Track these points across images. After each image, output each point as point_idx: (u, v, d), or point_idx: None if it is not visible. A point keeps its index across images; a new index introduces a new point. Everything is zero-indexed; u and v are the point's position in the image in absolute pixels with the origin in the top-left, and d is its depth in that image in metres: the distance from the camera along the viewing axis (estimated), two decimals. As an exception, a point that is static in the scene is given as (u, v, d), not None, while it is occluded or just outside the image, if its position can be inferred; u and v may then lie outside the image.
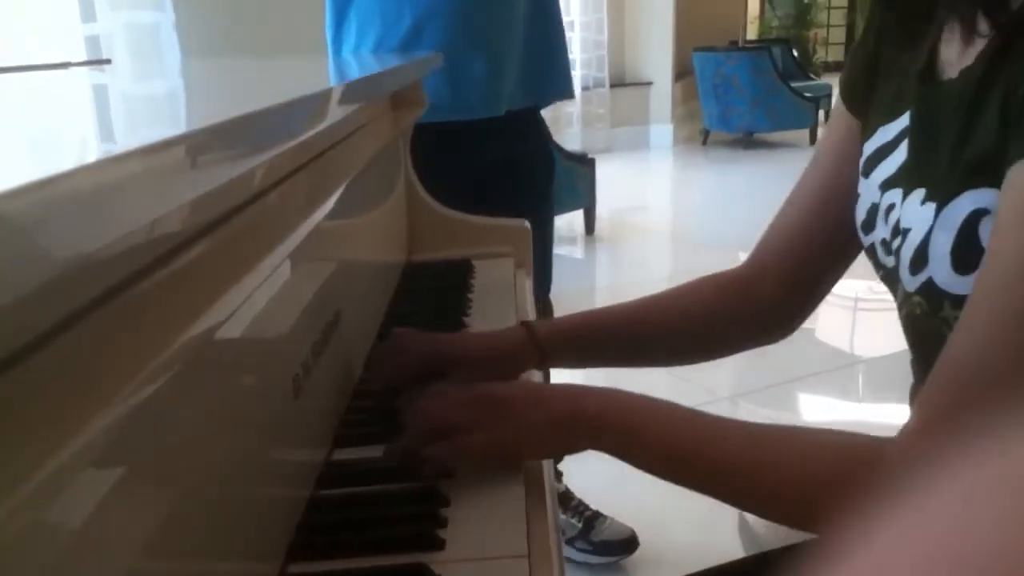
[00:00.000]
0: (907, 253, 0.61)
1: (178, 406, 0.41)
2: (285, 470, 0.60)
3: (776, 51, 7.06)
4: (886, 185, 0.67)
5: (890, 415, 2.44)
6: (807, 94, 6.88)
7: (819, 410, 2.49)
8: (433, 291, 1.11)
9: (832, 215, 0.77)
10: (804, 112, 6.79)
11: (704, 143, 7.13)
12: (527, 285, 1.16)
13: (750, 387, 2.51)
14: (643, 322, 0.83)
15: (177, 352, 0.41)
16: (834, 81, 8.02)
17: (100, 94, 0.86)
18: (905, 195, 0.63)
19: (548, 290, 1.63)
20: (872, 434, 0.59)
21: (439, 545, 0.56)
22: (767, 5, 11.50)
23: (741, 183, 5.78)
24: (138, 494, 0.36)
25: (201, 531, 0.43)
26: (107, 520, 0.34)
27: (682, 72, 7.10)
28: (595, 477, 1.85)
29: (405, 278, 1.15)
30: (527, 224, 1.25)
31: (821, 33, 12.64)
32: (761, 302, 0.82)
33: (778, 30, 10.97)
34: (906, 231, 0.62)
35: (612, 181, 5.25)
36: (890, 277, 0.67)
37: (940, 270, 0.58)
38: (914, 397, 0.73)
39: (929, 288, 0.59)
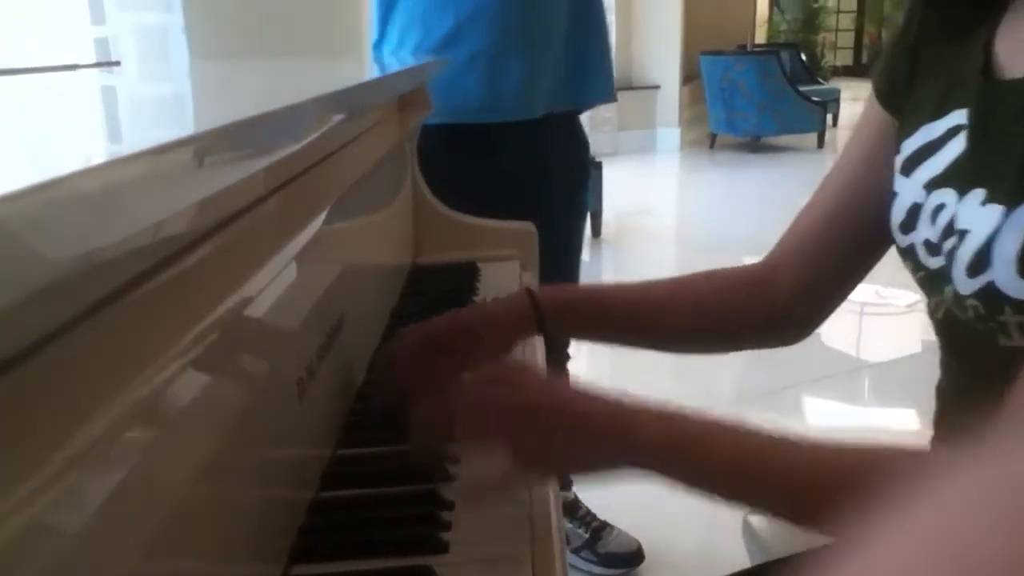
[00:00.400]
0: (965, 255, 0.59)
1: (182, 407, 0.41)
2: (288, 472, 0.60)
3: (784, 55, 7.05)
4: (932, 185, 0.65)
5: (895, 420, 2.44)
6: (815, 98, 6.87)
7: (823, 415, 2.49)
8: (438, 294, 1.11)
9: (859, 215, 0.75)
10: (812, 116, 6.78)
11: (711, 147, 7.12)
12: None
13: (753, 391, 2.50)
14: (651, 305, 0.81)
15: (181, 353, 0.41)
16: (843, 85, 7.96)
17: (109, 96, 0.87)
18: (960, 195, 0.61)
19: None
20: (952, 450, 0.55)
21: (442, 548, 0.56)
22: (775, 9, 11.48)
23: (748, 187, 5.77)
24: (141, 495, 0.37)
25: (204, 533, 0.44)
26: (110, 521, 0.34)
27: (689, 76, 7.09)
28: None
29: (410, 281, 1.15)
30: (533, 227, 1.25)
31: (830, 38, 12.63)
32: (776, 302, 0.80)
33: (786, 34, 10.96)
34: (964, 232, 0.60)
35: (619, 184, 5.25)
36: (933, 279, 0.65)
37: (1003, 273, 0.56)
38: (940, 394, 0.72)
39: (989, 291, 0.57)
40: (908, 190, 0.68)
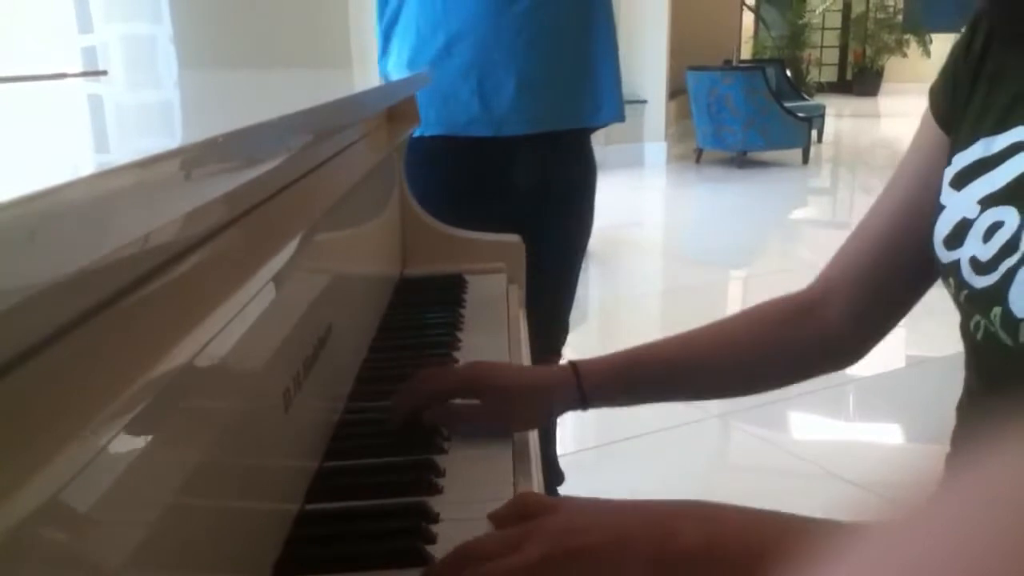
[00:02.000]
0: None
1: (168, 418, 0.41)
2: (274, 484, 0.60)
3: (770, 71, 7.10)
4: (989, 201, 0.62)
5: (881, 434, 2.45)
6: (800, 114, 6.92)
7: (810, 429, 2.50)
8: (426, 306, 1.11)
9: (915, 236, 0.71)
10: (797, 132, 6.83)
11: (698, 161, 7.16)
12: (519, 300, 1.16)
13: (741, 405, 2.51)
14: (696, 359, 0.78)
15: (169, 364, 0.41)
16: (827, 101, 8.01)
17: (96, 105, 0.86)
18: None
19: (568, 312, 1.64)
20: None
21: (427, 560, 0.56)
22: (761, 25, 11.58)
23: (734, 201, 5.80)
24: (125, 508, 0.36)
25: (189, 544, 0.43)
26: (92, 535, 0.33)
27: (676, 90, 7.14)
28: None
29: (398, 293, 1.15)
30: (520, 240, 1.26)
31: (815, 54, 12.74)
32: (829, 328, 0.77)
33: (772, 50, 11.06)
34: None
35: (606, 198, 5.25)
36: (978, 298, 0.61)
37: None
38: (961, 412, 0.70)
39: None
40: (958, 204, 0.64)
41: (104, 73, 1.46)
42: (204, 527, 0.46)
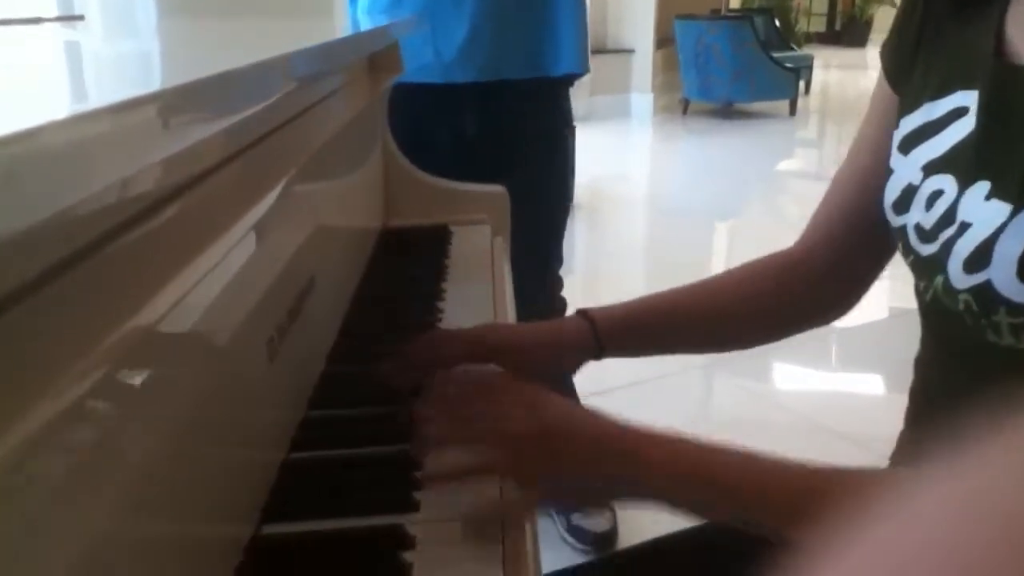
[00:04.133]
0: (963, 249, 0.57)
1: (151, 368, 0.41)
2: (259, 433, 0.60)
3: (758, 21, 7.03)
4: (931, 168, 0.62)
5: (863, 385, 2.48)
6: (788, 65, 6.87)
7: (793, 379, 2.52)
8: (410, 257, 1.10)
9: (879, 194, 0.71)
10: (785, 83, 6.79)
11: (684, 112, 7.12)
12: (504, 251, 1.16)
13: (724, 356, 2.53)
14: (703, 308, 0.79)
15: (150, 313, 0.40)
16: (816, 52, 7.95)
17: (72, 51, 0.85)
18: (962, 185, 0.59)
19: (559, 266, 1.63)
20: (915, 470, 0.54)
21: (414, 507, 0.57)
22: (750, -26, 11.43)
23: (720, 153, 5.78)
24: (111, 457, 0.36)
25: (176, 492, 0.43)
26: (81, 483, 0.34)
27: (663, 40, 7.06)
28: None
29: (381, 244, 1.15)
30: (504, 190, 1.25)
31: (804, 3, 12.61)
32: (814, 281, 0.79)
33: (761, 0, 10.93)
34: (965, 225, 0.57)
35: (592, 150, 5.24)
36: (925, 265, 0.62)
37: (1002, 274, 0.54)
38: (918, 367, 0.71)
39: (985, 290, 0.55)
40: (904, 169, 0.65)
41: (81, 18, 1.43)
42: (192, 474, 0.46)
